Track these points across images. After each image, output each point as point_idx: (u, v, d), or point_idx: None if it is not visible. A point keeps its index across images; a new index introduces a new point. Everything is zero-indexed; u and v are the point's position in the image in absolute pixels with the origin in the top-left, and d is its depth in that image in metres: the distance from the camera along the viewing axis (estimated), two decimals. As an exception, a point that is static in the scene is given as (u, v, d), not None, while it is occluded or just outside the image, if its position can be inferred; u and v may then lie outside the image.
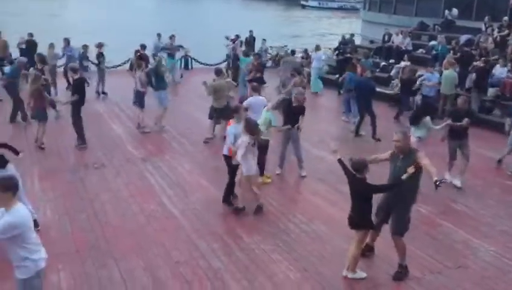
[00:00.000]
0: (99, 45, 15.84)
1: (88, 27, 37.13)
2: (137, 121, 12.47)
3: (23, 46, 17.02)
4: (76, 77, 10.92)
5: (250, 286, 6.09)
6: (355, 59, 15.12)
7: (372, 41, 22.93)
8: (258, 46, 21.70)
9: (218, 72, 11.71)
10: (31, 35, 17.12)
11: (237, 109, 8.13)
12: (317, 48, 18.65)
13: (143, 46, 16.69)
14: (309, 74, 17.62)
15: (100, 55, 15.73)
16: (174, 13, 55.22)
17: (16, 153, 7.31)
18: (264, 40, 20.45)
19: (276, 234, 7.39)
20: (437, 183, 5.76)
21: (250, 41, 21.94)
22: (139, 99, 12.23)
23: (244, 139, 7.53)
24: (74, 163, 10.01)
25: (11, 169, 6.88)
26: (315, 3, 77.47)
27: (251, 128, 7.60)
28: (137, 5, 65.88)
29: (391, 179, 6.21)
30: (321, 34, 41.57)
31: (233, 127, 7.92)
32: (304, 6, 76.89)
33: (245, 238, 7.25)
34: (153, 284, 6.07)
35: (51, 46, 15.95)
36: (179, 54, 19.77)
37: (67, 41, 16.46)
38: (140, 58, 14.18)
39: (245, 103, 9.67)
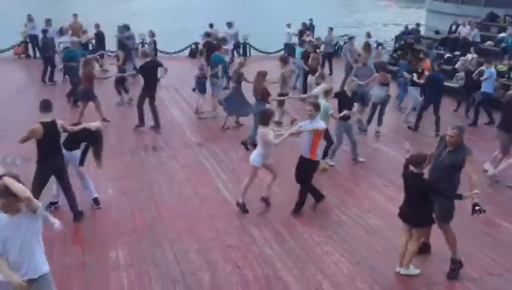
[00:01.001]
0: (152, 34, 16.22)
1: (153, 12, 38.08)
2: (195, 107, 12.69)
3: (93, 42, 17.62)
4: (147, 59, 11.27)
5: (301, 275, 6.09)
6: (416, 51, 14.72)
7: (437, 32, 22.05)
8: (317, 34, 21.41)
9: (285, 60, 11.84)
10: (97, 26, 17.74)
11: (317, 106, 7.62)
12: (368, 36, 18.45)
13: (207, 34, 16.90)
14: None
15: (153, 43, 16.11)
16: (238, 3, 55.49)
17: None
18: (330, 28, 20.12)
19: (330, 226, 7.33)
20: (476, 209, 5.54)
21: (310, 29, 21.65)
22: (200, 86, 12.45)
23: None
24: (134, 145, 10.34)
25: (77, 153, 7.22)
26: None
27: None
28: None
29: (432, 165, 6.04)
30: (384, 23, 40.33)
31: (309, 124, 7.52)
32: None
33: (298, 227, 7.24)
34: (205, 266, 6.19)
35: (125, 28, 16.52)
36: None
37: (126, 27, 16.94)
38: (207, 45, 14.47)
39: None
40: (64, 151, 7.06)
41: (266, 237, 6.95)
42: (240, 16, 25.10)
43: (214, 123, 12.17)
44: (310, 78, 12.44)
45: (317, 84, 10.35)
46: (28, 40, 18.42)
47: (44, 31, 15.61)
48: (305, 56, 14.74)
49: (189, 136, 11.08)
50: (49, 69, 15.10)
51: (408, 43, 19.03)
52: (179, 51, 20.80)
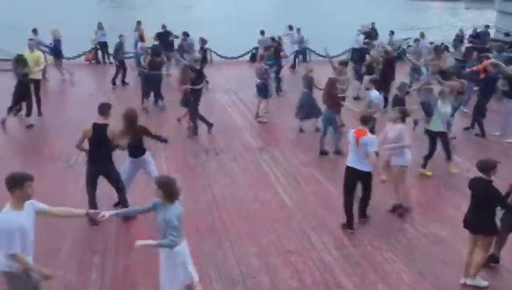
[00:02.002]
0: (203, 41, 16.53)
1: (216, 18, 38.89)
2: (256, 111, 12.85)
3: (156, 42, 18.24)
4: (198, 67, 11.53)
5: (360, 282, 6.01)
6: (479, 54, 14.06)
7: (507, 34, 20.99)
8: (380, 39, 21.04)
9: (343, 67, 11.79)
10: (164, 27, 18.33)
11: (369, 118, 7.39)
12: (422, 36, 18.32)
13: (273, 39, 17.07)
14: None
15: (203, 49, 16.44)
16: (295, 4, 55.54)
17: (164, 141, 7.87)
18: (391, 32, 19.75)
19: (391, 233, 7.18)
20: None
21: (372, 34, 21.31)
22: (261, 90, 12.61)
23: (401, 127, 7.43)
24: (197, 148, 10.60)
25: (147, 157, 7.49)
26: None
27: (407, 114, 7.52)
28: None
29: None
30: (451, 25, 38.83)
31: (372, 137, 7.20)
32: None
33: (357, 233, 7.15)
34: (265, 269, 6.25)
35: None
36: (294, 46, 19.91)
37: (186, 34, 17.38)
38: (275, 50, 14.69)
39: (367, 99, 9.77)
40: (131, 158, 7.36)
41: (325, 242, 6.91)
42: (299, 20, 25.06)
43: (274, 127, 12.25)
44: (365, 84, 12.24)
45: (368, 89, 10.16)
46: (98, 47, 19.35)
47: (121, 37, 16.40)
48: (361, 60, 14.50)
49: (250, 140, 11.21)
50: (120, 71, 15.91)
51: (478, 48, 18.27)
52: (240, 56, 21.10)
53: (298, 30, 19.69)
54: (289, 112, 13.15)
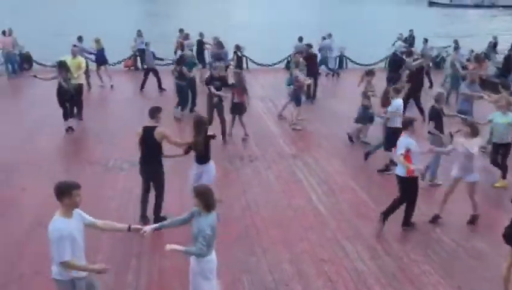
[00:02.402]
0: (238, 48, 16.60)
1: (254, 26, 39.17)
2: (290, 118, 12.83)
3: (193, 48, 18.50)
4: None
5: (396, 294, 5.90)
6: None
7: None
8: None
9: (370, 73, 11.57)
10: (201, 35, 18.58)
11: (411, 121, 7.43)
12: (456, 44, 18.17)
13: (309, 45, 17.05)
14: None
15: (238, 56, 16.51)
16: (332, 12, 55.39)
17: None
18: (425, 40, 19.41)
19: (429, 245, 7.02)
20: None
21: (410, 41, 20.99)
22: (295, 97, 12.59)
23: (477, 142, 7.30)
24: (232, 154, 10.67)
25: (212, 166, 7.52)
26: (446, 0, 68.13)
27: (477, 131, 7.38)
28: (295, 3, 67.51)
29: None
30: (487, 33, 37.81)
31: (406, 139, 7.24)
32: (431, 4, 68.29)
33: (393, 244, 7.02)
34: (298, 277, 6.22)
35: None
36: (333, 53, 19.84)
37: (220, 44, 17.50)
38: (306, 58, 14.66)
39: (389, 108, 9.58)
40: (197, 165, 7.42)
41: (359, 252, 6.82)
42: (336, 28, 24.97)
43: (309, 134, 12.21)
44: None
45: (391, 98, 9.96)
46: (137, 54, 19.79)
47: (147, 45, 16.72)
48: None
49: (284, 147, 11.20)
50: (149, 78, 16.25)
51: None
52: (275, 63, 21.16)
53: (329, 36, 19.59)
54: (324, 119, 13.13)
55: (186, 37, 17.86)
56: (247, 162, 10.18)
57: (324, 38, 19.43)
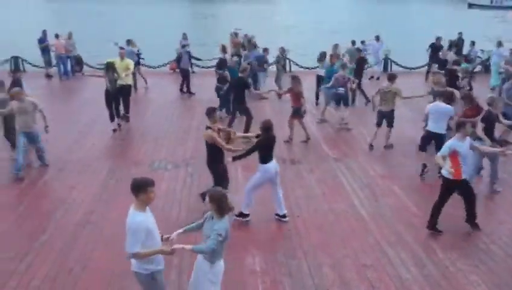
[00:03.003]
0: (283, 50, 16.58)
1: (295, 27, 39.15)
2: (340, 119, 12.84)
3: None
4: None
5: (440, 303, 5.75)
6: None
7: None
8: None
9: (391, 78, 11.39)
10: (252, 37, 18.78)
11: (463, 124, 7.22)
12: (499, 44, 18.01)
13: (359, 50, 16.93)
14: None
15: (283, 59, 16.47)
16: (377, 14, 54.54)
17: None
18: (472, 42, 18.81)
19: (476, 254, 6.80)
20: None
21: (459, 44, 20.39)
22: (343, 99, 12.64)
23: None
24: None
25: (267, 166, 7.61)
26: (486, 2, 65.13)
27: None
28: (340, 5, 66.89)
29: None
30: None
31: (454, 141, 7.12)
32: (471, 5, 65.43)
33: (439, 252, 6.84)
34: (339, 282, 6.16)
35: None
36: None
37: (253, 45, 17.56)
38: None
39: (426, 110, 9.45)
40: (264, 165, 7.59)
41: (403, 259, 6.69)
42: (383, 30, 24.56)
43: (351, 138, 12.07)
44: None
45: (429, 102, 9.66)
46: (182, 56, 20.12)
47: (184, 47, 17.02)
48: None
49: (326, 150, 11.12)
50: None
51: None
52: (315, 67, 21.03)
53: (377, 38, 19.35)
54: (367, 123, 12.93)
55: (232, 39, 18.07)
56: (289, 165, 10.18)
57: (362, 42, 19.27)
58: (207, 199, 4.90)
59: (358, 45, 18.68)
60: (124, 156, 10.64)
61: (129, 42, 17.09)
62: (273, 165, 7.59)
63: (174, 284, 6.11)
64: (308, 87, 17.60)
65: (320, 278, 6.24)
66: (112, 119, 12.26)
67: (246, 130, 11.27)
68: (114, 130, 12.21)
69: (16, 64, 20.00)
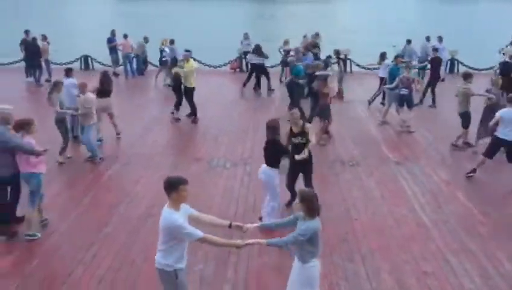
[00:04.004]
0: (338, 52, 16.32)
1: (355, 28, 38.55)
2: (401, 121, 12.58)
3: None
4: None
5: (507, 318, 5.46)
6: None
7: None
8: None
9: (467, 77, 10.96)
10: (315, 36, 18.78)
11: None
12: None
13: (436, 49, 16.44)
14: None
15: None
16: (441, 14, 52.60)
17: None
18: None
19: (546, 267, 6.40)
20: None
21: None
22: (407, 100, 12.37)
23: None
24: (332, 158, 10.57)
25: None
26: None
27: None
28: (402, 6, 65.14)
29: None
30: None
31: None
32: None
33: (506, 264, 6.50)
34: (397, 288, 6.00)
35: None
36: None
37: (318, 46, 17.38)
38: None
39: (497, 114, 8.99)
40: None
41: (467, 269, 6.41)
42: (448, 30, 23.67)
43: (413, 141, 11.72)
44: None
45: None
46: (243, 56, 20.37)
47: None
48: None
49: (387, 153, 10.86)
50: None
51: None
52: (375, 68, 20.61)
53: (440, 39, 18.70)
54: (431, 126, 12.55)
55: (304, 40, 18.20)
56: (347, 167, 10.03)
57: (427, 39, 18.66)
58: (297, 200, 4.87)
59: (434, 43, 18.12)
60: (185, 153, 10.91)
61: (172, 42, 17.58)
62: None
63: (230, 282, 6.18)
64: (368, 87, 17.41)
65: (378, 283, 6.11)
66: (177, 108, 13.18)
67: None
68: (176, 119, 13.06)
69: (86, 63, 21.04)
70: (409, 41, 18.17)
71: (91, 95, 9.98)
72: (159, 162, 10.19)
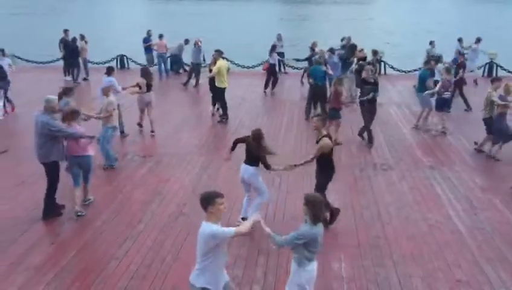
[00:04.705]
0: (375, 52, 16.11)
1: (390, 28, 38.00)
2: (440, 124, 12.40)
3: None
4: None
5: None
6: None
7: None
8: None
9: (493, 81, 10.80)
10: (349, 39, 18.61)
11: None
12: None
13: (462, 53, 16.18)
14: None
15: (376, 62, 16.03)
16: (478, 15, 51.26)
17: None
18: None
19: None
20: None
21: None
22: (441, 103, 12.17)
23: None
24: (363, 162, 10.44)
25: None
26: None
27: None
28: (439, 7, 63.84)
29: None
30: None
31: None
32: None
33: (545, 275, 6.28)
34: (430, 296, 5.89)
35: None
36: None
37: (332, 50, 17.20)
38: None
39: None
40: None
41: (503, 279, 6.22)
42: (486, 32, 23.05)
43: (449, 145, 11.46)
44: None
45: None
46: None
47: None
48: None
49: (421, 158, 10.65)
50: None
51: None
52: (415, 70, 20.22)
53: (477, 41, 18.28)
54: (467, 131, 12.25)
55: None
56: (379, 171, 9.89)
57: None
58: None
59: (469, 44, 17.72)
60: (216, 153, 10.97)
61: (193, 43, 17.86)
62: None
63: (260, 283, 6.19)
64: (402, 90, 17.15)
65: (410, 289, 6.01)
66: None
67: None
68: (212, 114, 13.58)
69: (122, 62, 21.46)
70: (431, 43, 17.91)
71: (113, 98, 10.09)
72: (190, 162, 10.29)
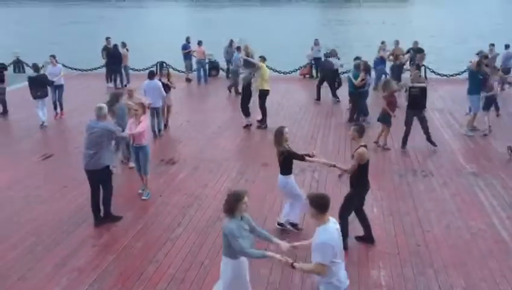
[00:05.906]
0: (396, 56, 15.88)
1: (432, 32, 37.22)
2: (488, 125, 12.18)
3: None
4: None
5: None
6: None
7: None
8: None
9: None
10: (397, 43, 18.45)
11: None
12: None
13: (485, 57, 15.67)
14: None
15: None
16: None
17: None
18: None
19: None
20: None
21: None
22: (488, 104, 12.06)
23: None
24: (403, 167, 10.24)
25: None
26: None
27: None
28: (483, 7, 61.99)
29: None
30: None
31: None
32: None
33: None
34: (473, 307, 5.71)
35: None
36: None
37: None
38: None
39: None
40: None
41: (552, 291, 5.96)
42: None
43: (493, 151, 11.10)
44: None
45: None
46: (313, 62, 20.30)
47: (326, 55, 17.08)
48: None
49: (463, 164, 10.36)
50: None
51: None
52: (457, 74, 19.73)
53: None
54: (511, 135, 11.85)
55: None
56: (420, 177, 9.68)
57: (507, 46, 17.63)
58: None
59: None
60: (253, 158, 11.01)
61: (238, 48, 17.96)
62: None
63: (297, 288, 6.15)
64: (444, 95, 16.73)
65: (452, 300, 5.84)
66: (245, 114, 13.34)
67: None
68: (245, 126, 13.20)
69: (162, 69, 21.86)
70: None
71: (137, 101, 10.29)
72: (228, 167, 10.37)
